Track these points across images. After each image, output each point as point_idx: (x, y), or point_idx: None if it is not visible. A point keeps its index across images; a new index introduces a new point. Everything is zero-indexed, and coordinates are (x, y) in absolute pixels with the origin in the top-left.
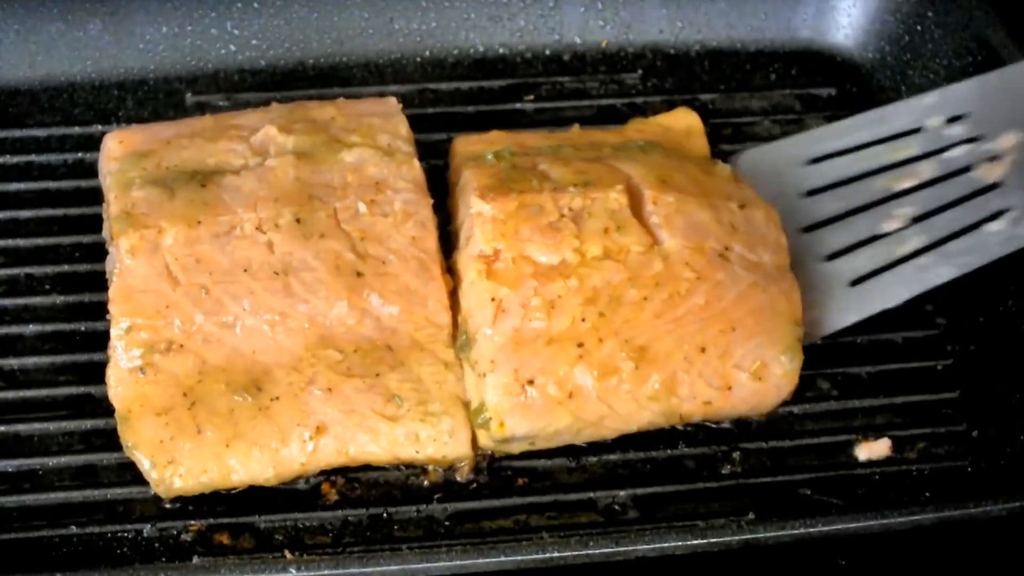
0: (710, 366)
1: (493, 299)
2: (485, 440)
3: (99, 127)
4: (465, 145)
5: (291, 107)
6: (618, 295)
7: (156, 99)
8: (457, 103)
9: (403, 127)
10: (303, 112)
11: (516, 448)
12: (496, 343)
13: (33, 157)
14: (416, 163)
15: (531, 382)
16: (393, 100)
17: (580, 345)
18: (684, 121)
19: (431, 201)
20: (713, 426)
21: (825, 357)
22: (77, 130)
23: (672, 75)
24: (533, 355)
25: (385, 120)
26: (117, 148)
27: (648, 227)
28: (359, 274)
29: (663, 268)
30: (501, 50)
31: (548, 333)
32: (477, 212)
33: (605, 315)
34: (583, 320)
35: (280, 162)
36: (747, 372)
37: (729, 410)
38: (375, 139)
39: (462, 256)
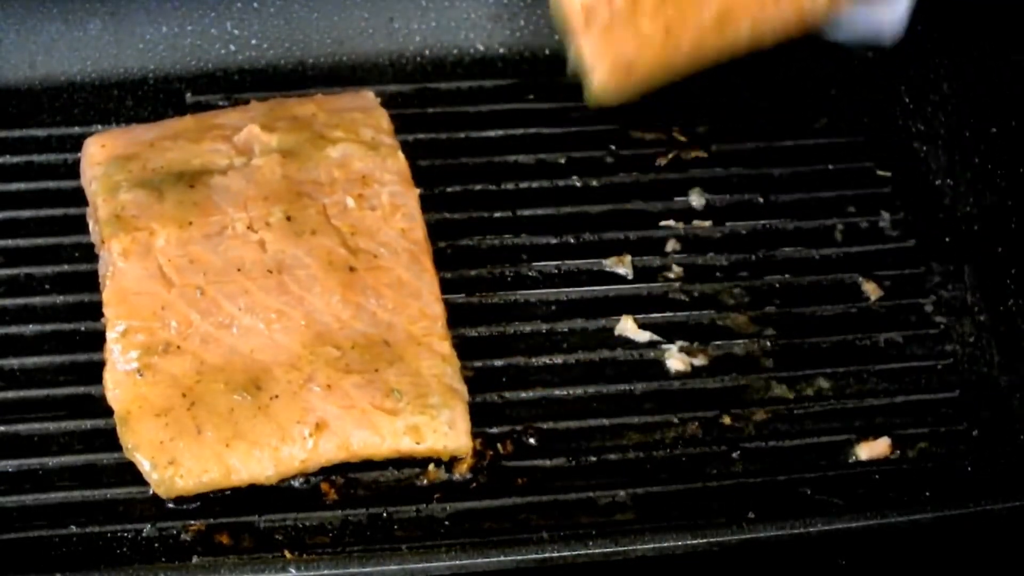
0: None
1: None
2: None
3: (99, 127)
4: None
5: (271, 104)
6: None
7: (156, 99)
8: (457, 103)
9: (384, 120)
10: (284, 109)
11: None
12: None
13: (33, 157)
14: (400, 155)
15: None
16: (371, 94)
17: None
18: None
19: (417, 192)
20: (712, 425)
21: (825, 357)
22: (77, 130)
23: None
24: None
25: (366, 115)
26: (100, 152)
27: None
28: (352, 269)
29: None
30: (501, 50)
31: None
32: None
33: None
34: None
35: (266, 161)
36: None
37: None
38: (358, 134)
39: None
